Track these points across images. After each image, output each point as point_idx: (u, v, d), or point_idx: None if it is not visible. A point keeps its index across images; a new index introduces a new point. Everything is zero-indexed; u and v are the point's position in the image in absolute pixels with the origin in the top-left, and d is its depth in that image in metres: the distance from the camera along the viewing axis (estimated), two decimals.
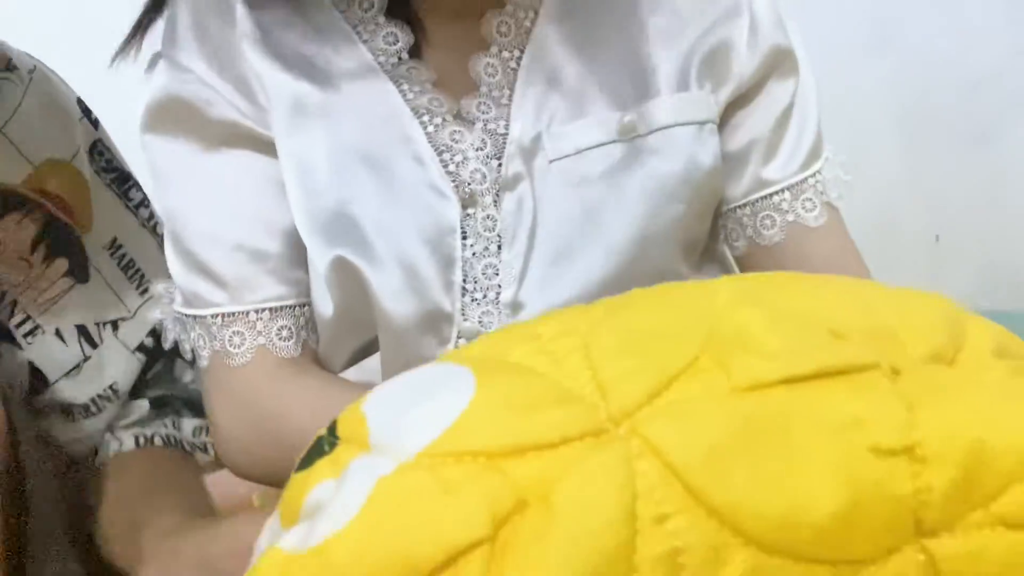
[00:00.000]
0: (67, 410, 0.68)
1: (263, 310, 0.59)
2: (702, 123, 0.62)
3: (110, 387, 0.69)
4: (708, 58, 0.62)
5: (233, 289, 0.59)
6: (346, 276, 0.58)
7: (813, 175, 0.63)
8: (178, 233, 0.60)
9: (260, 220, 0.59)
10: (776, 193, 0.63)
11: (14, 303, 0.65)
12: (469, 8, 0.60)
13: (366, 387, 0.58)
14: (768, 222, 0.63)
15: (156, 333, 0.70)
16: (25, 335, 0.66)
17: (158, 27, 0.61)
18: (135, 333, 0.70)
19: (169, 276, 0.62)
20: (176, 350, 0.74)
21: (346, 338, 0.61)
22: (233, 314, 0.59)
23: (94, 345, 0.68)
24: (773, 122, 0.63)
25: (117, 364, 0.69)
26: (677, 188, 0.60)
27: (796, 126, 0.64)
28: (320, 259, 0.58)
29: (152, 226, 0.73)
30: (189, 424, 0.72)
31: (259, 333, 0.59)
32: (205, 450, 0.71)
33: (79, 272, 0.68)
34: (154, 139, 0.60)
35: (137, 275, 0.71)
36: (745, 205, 0.64)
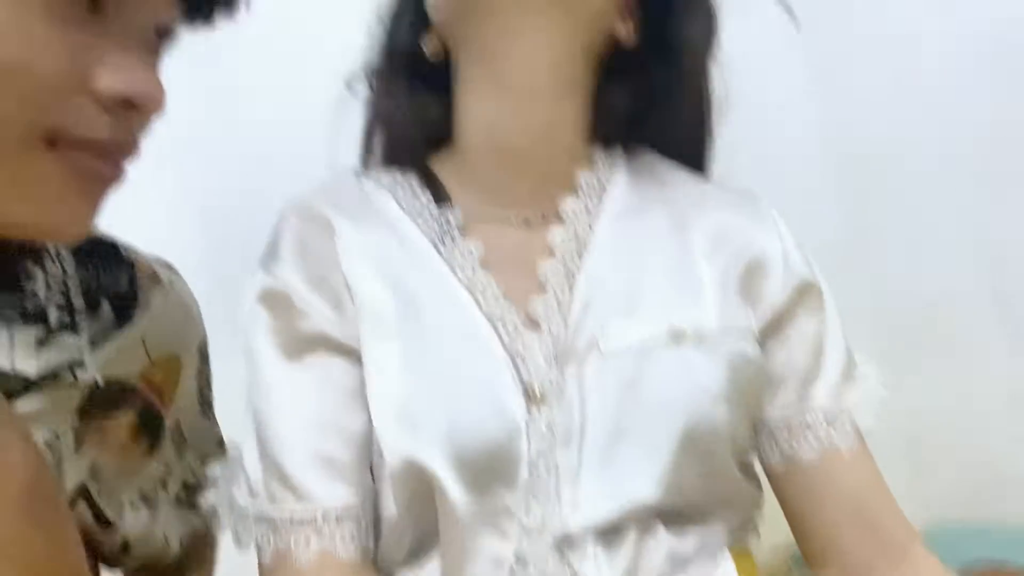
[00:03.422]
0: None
1: (330, 515, 0.61)
2: (744, 328, 0.67)
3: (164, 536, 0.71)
4: (745, 273, 0.68)
5: (305, 494, 0.60)
6: (413, 475, 0.60)
7: (846, 404, 0.69)
8: (261, 433, 0.63)
9: (336, 428, 0.62)
10: (812, 415, 0.68)
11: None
12: (534, 219, 0.66)
13: None
14: (804, 444, 0.68)
15: (187, 486, 0.75)
16: (116, 513, 0.68)
17: None
18: (174, 486, 0.74)
19: (220, 456, 0.65)
20: None
21: (406, 536, 0.63)
22: (302, 519, 0.60)
23: (152, 507, 0.72)
24: (808, 350, 0.69)
25: (167, 517, 0.72)
26: (722, 388, 0.64)
27: (829, 355, 0.69)
28: (392, 458, 0.60)
29: (204, 407, 0.79)
30: None
31: (324, 537, 0.60)
32: None
33: (154, 445, 0.72)
34: (259, 310, 0.64)
35: (182, 440, 0.75)
36: (782, 425, 0.69)
